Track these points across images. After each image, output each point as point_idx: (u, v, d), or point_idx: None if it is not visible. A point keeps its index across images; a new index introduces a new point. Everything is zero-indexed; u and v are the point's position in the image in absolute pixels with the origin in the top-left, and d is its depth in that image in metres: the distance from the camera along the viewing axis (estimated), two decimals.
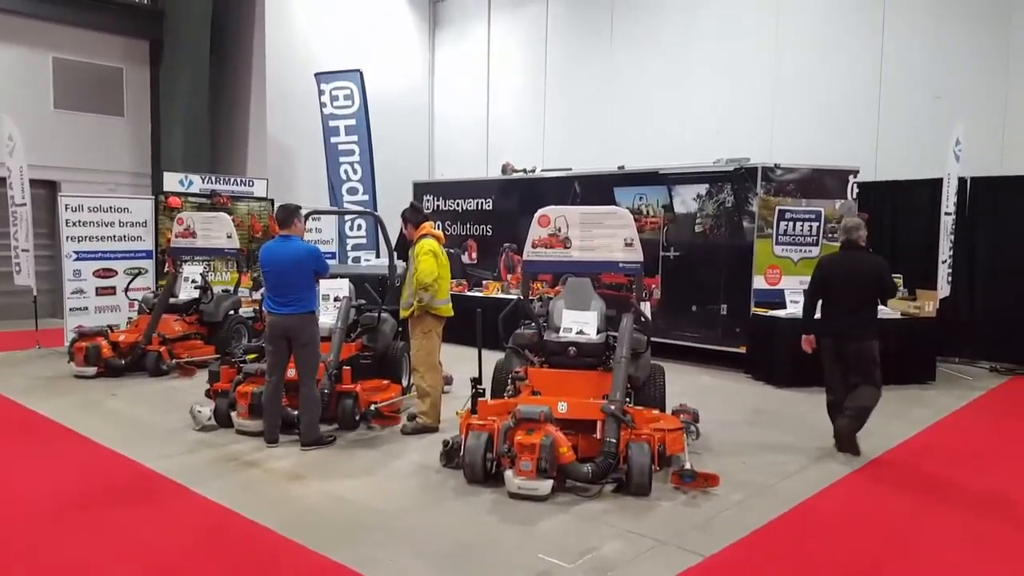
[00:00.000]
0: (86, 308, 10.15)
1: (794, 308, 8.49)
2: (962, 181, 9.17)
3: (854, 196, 8.89)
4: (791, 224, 8.74)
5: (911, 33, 10.24)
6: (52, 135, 13.00)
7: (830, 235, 8.82)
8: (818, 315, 5.92)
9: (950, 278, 8.76)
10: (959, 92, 9.79)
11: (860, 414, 5.64)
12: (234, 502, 4.56)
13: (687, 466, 4.83)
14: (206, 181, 11.84)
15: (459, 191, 12.25)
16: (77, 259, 10.08)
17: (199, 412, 6.16)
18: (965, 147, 8.66)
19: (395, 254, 7.72)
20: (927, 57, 10.10)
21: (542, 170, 11.81)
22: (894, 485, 5.15)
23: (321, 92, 13.40)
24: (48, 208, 12.86)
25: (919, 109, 10.09)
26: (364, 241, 13.60)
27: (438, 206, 12.36)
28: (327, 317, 6.76)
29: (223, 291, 9.85)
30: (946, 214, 8.50)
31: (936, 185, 8.76)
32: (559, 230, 5.96)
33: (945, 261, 8.55)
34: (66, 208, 9.98)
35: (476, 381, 5.45)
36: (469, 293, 11.33)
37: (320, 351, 5.89)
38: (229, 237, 9.29)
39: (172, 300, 9.01)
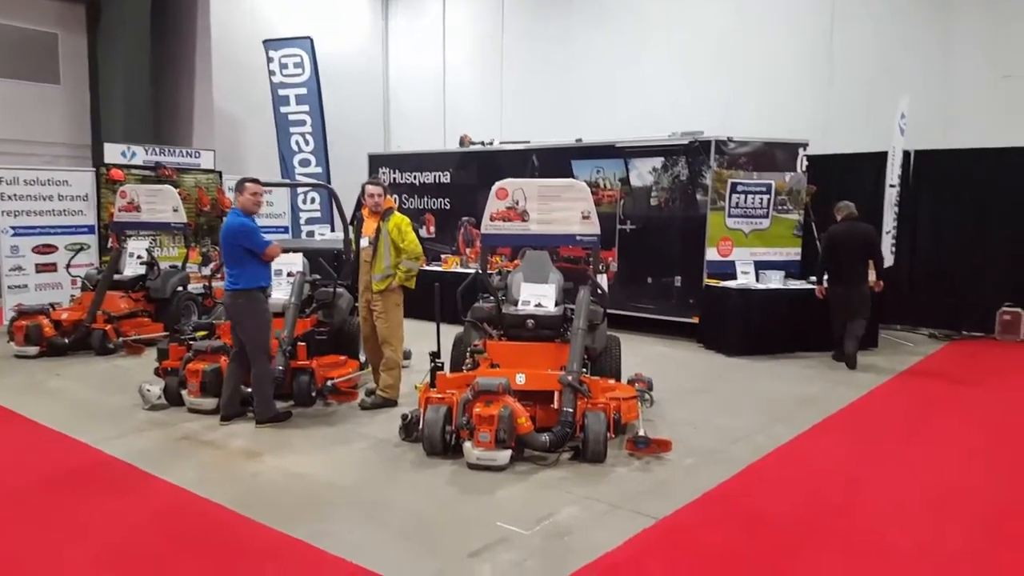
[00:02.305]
0: (26, 286, 9.83)
1: (744, 279, 8.69)
2: (906, 154, 9.44)
3: (804, 169, 9.08)
4: (743, 197, 8.89)
5: (858, 9, 10.43)
6: None
7: (779, 207, 9.01)
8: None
9: (894, 248, 9.04)
10: (904, 67, 10.03)
11: (858, 339, 7.82)
12: (187, 481, 4.49)
13: (641, 433, 4.93)
14: (150, 152, 11.48)
15: (416, 163, 12.10)
16: (15, 235, 9.72)
17: (148, 391, 6.03)
18: (909, 121, 8.89)
19: (350, 228, 7.61)
20: (874, 32, 10.31)
21: (500, 143, 11.73)
22: (839, 446, 5.34)
23: (270, 60, 13.04)
24: None
25: (866, 84, 10.32)
26: (318, 215, 13.38)
27: (395, 179, 12.21)
28: (280, 293, 6.65)
29: (170, 267, 9.60)
30: (890, 186, 8.74)
31: (882, 158, 8.99)
32: (517, 203, 5.95)
33: (889, 232, 8.81)
34: (0, 181, 9.56)
35: (435, 355, 5.45)
36: (427, 267, 11.23)
37: (265, 328, 5.70)
38: (175, 211, 9.01)
39: (117, 276, 8.75)
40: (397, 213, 6.13)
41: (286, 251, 6.97)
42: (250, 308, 5.59)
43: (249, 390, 5.71)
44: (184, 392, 5.95)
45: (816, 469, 4.88)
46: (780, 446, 5.25)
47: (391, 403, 6.07)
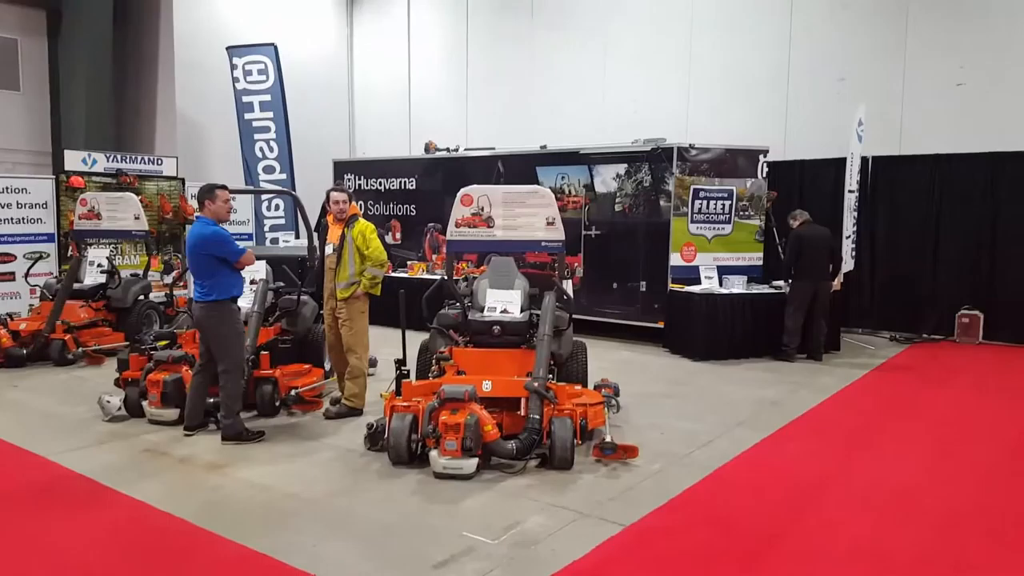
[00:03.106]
0: None
1: (708, 284, 8.81)
2: (864, 160, 9.66)
3: (764, 175, 9.23)
4: (705, 203, 9.01)
5: (816, 18, 10.68)
6: None
7: (741, 213, 9.16)
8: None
9: (854, 253, 9.23)
10: (861, 75, 10.28)
11: (824, 337, 8.49)
12: (148, 495, 4.41)
13: (608, 439, 4.96)
14: (111, 159, 11.26)
15: (382, 170, 12.05)
16: None
17: (108, 402, 5.91)
18: (867, 128, 9.11)
19: (315, 235, 7.55)
20: (831, 41, 10.55)
21: (465, 149, 11.75)
22: (803, 450, 5.43)
23: (233, 67, 12.89)
24: None
25: (824, 91, 10.55)
26: (282, 221, 13.24)
27: (360, 185, 12.14)
28: (244, 301, 6.54)
29: (131, 275, 9.44)
30: (849, 192, 8.93)
31: (840, 164, 9.20)
32: (482, 209, 5.96)
33: (849, 236, 9.00)
34: None
35: (400, 363, 5.41)
36: (393, 274, 11.20)
37: (239, 341, 5.60)
38: (137, 218, 8.87)
39: (77, 285, 8.58)
40: (362, 220, 6.09)
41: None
42: (224, 321, 5.41)
43: (212, 400, 5.62)
44: (145, 403, 5.84)
45: (781, 473, 4.94)
46: (745, 450, 5.32)
47: (356, 412, 6.03)
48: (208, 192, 5.46)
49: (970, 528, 4.10)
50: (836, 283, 8.57)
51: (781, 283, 8.67)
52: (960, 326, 9.53)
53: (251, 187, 12.67)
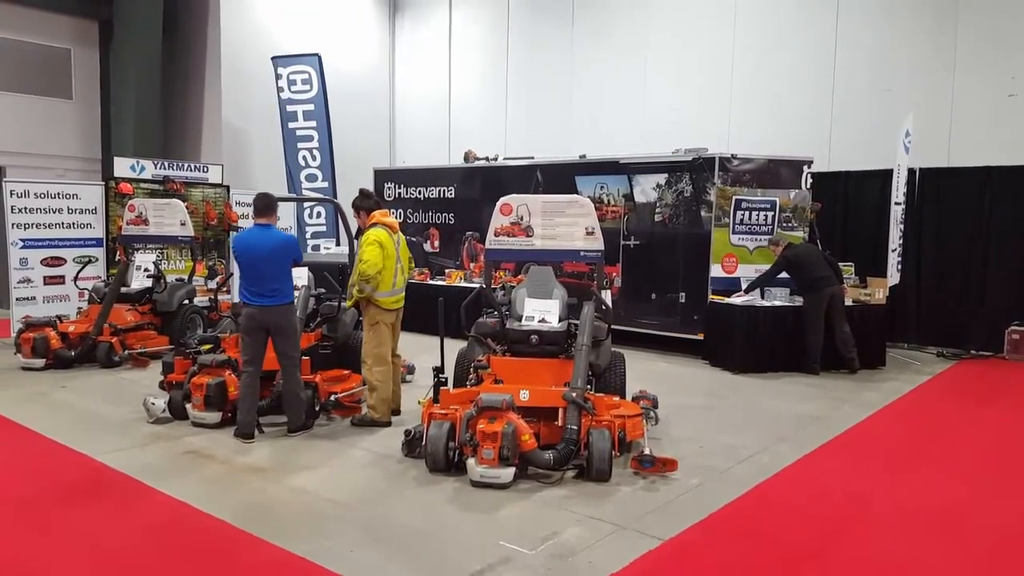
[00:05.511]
0: (34, 298, 9.83)
1: (749, 296, 8.67)
2: (911, 172, 9.43)
3: (808, 186, 9.07)
4: (747, 213, 8.88)
5: (863, 27, 10.47)
6: None
7: (784, 224, 9.00)
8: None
9: (899, 266, 9.01)
10: (908, 85, 10.05)
11: (854, 346, 8.27)
12: (190, 495, 4.48)
13: (646, 451, 4.90)
14: (158, 167, 11.54)
15: (421, 178, 12.15)
16: (24, 247, 9.74)
17: (153, 404, 6.03)
18: (914, 139, 8.90)
19: (355, 242, 7.64)
20: (878, 51, 10.34)
21: (504, 158, 11.79)
22: (845, 468, 5.30)
23: (278, 76, 13.16)
24: None
25: (870, 102, 10.33)
26: (324, 229, 13.45)
27: (400, 194, 12.26)
28: None
29: (177, 280, 9.64)
30: (896, 204, 8.73)
31: (886, 175, 8.99)
32: (521, 218, 5.97)
33: (895, 250, 8.79)
34: (11, 194, 9.61)
35: (438, 370, 5.44)
36: (431, 282, 11.29)
37: (300, 341, 5.88)
38: (183, 224, 9.08)
39: (124, 289, 8.78)
40: (373, 228, 5.86)
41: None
42: (296, 320, 5.82)
43: (261, 403, 5.73)
44: (188, 406, 5.95)
45: (823, 490, 4.83)
46: (787, 466, 5.21)
47: (381, 424, 5.94)
48: (275, 204, 5.80)
49: (1016, 551, 3.95)
50: (880, 294, 8.40)
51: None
52: (1010, 343, 9.21)
53: (294, 195, 12.90)
